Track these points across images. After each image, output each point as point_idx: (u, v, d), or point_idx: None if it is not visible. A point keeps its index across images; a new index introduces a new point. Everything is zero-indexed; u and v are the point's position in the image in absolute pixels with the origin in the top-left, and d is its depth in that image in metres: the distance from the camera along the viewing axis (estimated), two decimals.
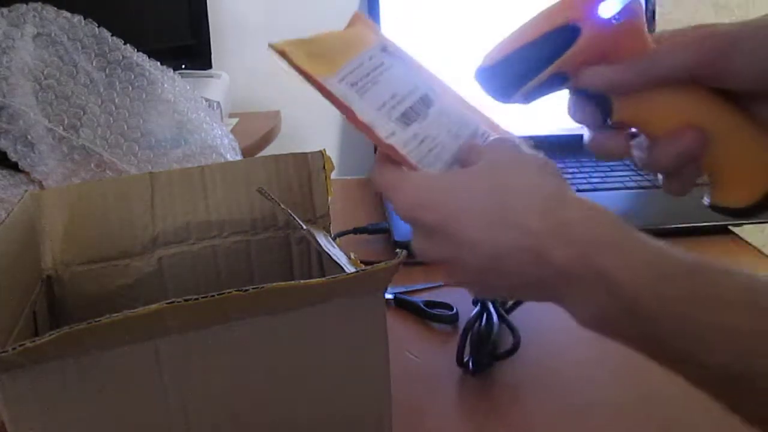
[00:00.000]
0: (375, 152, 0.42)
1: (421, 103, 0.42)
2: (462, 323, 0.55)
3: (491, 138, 0.42)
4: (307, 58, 0.38)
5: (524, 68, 0.37)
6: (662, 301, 0.29)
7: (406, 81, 0.43)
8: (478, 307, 0.52)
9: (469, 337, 0.49)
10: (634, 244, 0.32)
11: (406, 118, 0.40)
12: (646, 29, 0.36)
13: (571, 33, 0.35)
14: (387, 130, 0.39)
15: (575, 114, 0.39)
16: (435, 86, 0.44)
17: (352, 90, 0.39)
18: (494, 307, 0.52)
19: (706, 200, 0.39)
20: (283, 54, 0.38)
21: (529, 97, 0.39)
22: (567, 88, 0.38)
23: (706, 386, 0.30)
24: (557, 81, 0.37)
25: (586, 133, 0.39)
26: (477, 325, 0.50)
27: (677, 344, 0.29)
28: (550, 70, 0.36)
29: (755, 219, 0.46)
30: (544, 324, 0.53)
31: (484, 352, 0.48)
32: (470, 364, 0.48)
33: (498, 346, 0.49)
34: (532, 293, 0.36)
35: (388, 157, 0.39)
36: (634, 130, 0.39)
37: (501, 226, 0.34)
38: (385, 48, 0.44)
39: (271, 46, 0.38)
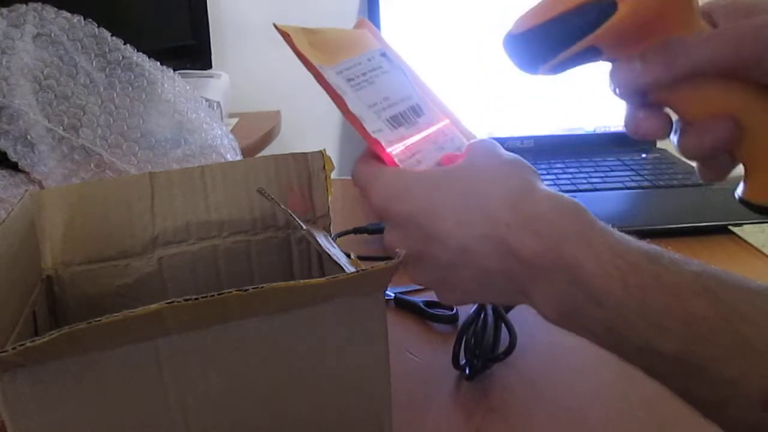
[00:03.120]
0: None
1: (411, 111, 0.43)
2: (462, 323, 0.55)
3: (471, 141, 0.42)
4: (309, 46, 0.39)
5: (556, 40, 0.35)
6: (627, 290, 0.30)
7: (400, 88, 0.43)
8: (475, 307, 0.51)
9: (464, 340, 0.49)
10: (598, 234, 0.32)
11: (395, 121, 0.41)
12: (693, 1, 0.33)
13: (608, 5, 0.33)
14: (375, 125, 0.39)
15: (612, 88, 0.37)
16: (428, 99, 0.45)
17: (347, 84, 0.40)
18: (492, 306, 0.52)
19: (736, 194, 0.37)
20: (286, 37, 0.39)
21: (557, 69, 0.37)
22: (600, 60, 0.36)
23: (660, 375, 0.31)
24: (589, 55, 0.35)
25: (625, 110, 0.38)
26: (473, 327, 0.49)
27: (637, 333, 0.30)
28: (583, 43, 0.34)
29: None
30: (543, 322, 0.53)
31: (479, 356, 0.48)
32: (467, 368, 0.48)
33: (496, 346, 0.49)
34: (498, 290, 0.36)
35: (371, 154, 0.40)
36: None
37: (470, 218, 0.35)
38: (385, 54, 0.45)
39: (276, 27, 0.38)
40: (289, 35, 0.39)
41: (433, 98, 0.46)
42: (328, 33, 0.42)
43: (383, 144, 0.39)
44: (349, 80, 0.40)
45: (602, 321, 0.31)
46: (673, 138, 0.36)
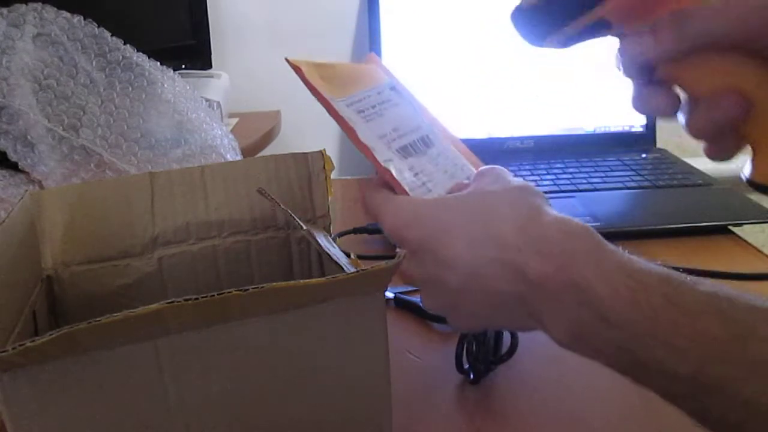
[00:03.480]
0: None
1: (421, 142, 0.44)
2: None
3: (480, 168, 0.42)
4: (320, 79, 0.41)
5: (565, 11, 0.35)
6: (638, 309, 0.29)
7: (409, 120, 0.45)
8: None
9: (466, 343, 0.48)
10: (607, 255, 0.32)
11: (405, 151, 0.42)
12: None
13: None
14: (385, 155, 0.40)
15: (619, 64, 0.36)
16: (437, 131, 0.46)
17: (357, 115, 0.41)
18: None
19: (742, 174, 0.36)
20: (298, 70, 0.40)
21: (564, 43, 0.36)
22: (608, 35, 0.35)
23: (675, 397, 0.30)
24: (598, 28, 0.35)
25: (632, 88, 0.37)
26: None
27: (649, 354, 0.29)
28: (592, 16, 0.34)
29: None
30: None
31: (482, 359, 0.48)
32: (470, 373, 0.48)
33: (498, 348, 0.49)
34: (509, 314, 0.36)
35: (382, 182, 0.41)
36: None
37: (480, 242, 0.35)
38: (394, 87, 0.46)
39: (288, 61, 0.40)
40: (300, 69, 0.40)
41: (442, 129, 0.47)
42: (338, 67, 0.44)
43: (394, 173, 0.40)
44: (359, 112, 0.41)
45: (613, 341, 0.31)
46: (681, 116, 0.36)
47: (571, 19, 0.35)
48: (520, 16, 0.36)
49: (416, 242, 0.37)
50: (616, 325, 0.30)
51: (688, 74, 0.35)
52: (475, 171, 0.44)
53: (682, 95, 0.36)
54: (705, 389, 0.28)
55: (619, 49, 0.35)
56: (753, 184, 0.36)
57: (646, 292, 0.30)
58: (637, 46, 0.34)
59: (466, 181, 0.42)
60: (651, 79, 0.36)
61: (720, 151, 0.36)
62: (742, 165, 0.36)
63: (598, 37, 0.36)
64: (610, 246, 0.33)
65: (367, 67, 0.47)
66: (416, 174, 0.41)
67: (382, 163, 0.39)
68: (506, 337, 0.50)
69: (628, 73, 0.36)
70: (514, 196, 0.36)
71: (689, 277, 0.30)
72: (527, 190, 0.37)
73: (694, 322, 0.28)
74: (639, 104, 0.37)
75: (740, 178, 0.36)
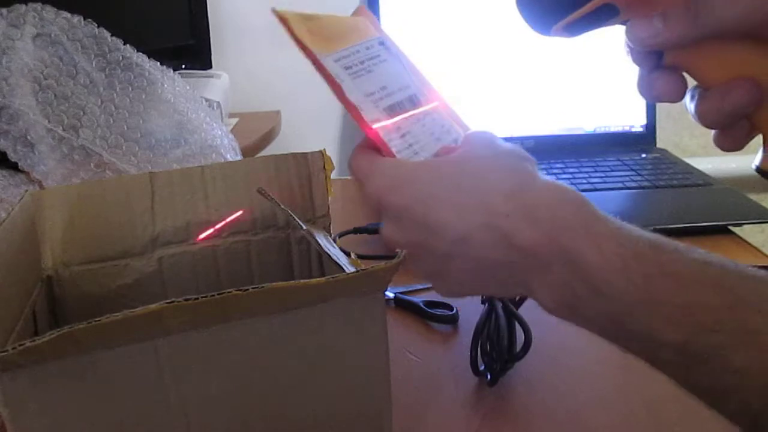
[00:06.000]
0: None
1: (409, 102, 0.42)
2: (462, 323, 0.55)
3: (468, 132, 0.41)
4: (307, 33, 0.39)
5: None
6: (629, 278, 0.29)
7: (398, 78, 0.43)
8: (486, 307, 0.49)
9: (480, 344, 0.47)
10: (599, 223, 0.32)
11: (392, 111, 0.40)
12: None
13: None
14: (372, 115, 0.39)
15: (627, 49, 0.36)
16: (426, 91, 0.45)
17: (345, 72, 0.39)
18: (502, 304, 0.49)
19: (753, 163, 0.36)
20: (284, 22, 0.38)
21: (572, 31, 0.35)
22: (617, 23, 0.35)
23: (664, 366, 0.30)
24: (605, 14, 0.34)
25: (637, 72, 0.36)
26: (486, 330, 0.47)
27: (639, 323, 0.29)
28: (598, 0, 0.33)
29: None
30: (544, 324, 0.52)
31: (497, 359, 0.47)
32: (487, 375, 0.47)
33: (512, 346, 0.47)
34: (497, 282, 0.35)
35: (368, 144, 0.39)
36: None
37: (469, 208, 0.34)
38: (384, 43, 0.44)
39: (275, 11, 0.38)
40: (287, 20, 0.38)
41: (429, 89, 0.45)
42: (326, 20, 0.41)
43: (381, 134, 0.38)
44: (347, 68, 0.39)
45: (603, 311, 0.31)
46: (690, 105, 0.35)
47: (579, 2, 0.34)
48: (524, 0, 0.36)
49: (401, 207, 0.36)
50: (607, 295, 0.30)
51: (698, 62, 0.34)
52: (462, 133, 0.44)
53: (691, 82, 0.35)
54: (695, 357, 0.28)
55: (626, 33, 0.34)
56: (763, 172, 0.35)
57: (639, 262, 0.30)
58: (647, 30, 0.33)
59: (453, 145, 0.41)
60: (657, 65, 0.35)
61: (730, 140, 0.35)
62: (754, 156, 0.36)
63: (606, 24, 0.35)
64: (602, 213, 0.33)
65: (357, 19, 0.45)
66: (403, 135, 0.40)
67: (369, 123, 0.38)
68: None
69: (635, 59, 0.36)
70: (505, 161, 0.36)
71: (681, 244, 0.30)
72: (518, 155, 0.36)
73: (688, 292, 0.28)
74: (644, 89, 0.36)
75: (741, 177, 0.36)
